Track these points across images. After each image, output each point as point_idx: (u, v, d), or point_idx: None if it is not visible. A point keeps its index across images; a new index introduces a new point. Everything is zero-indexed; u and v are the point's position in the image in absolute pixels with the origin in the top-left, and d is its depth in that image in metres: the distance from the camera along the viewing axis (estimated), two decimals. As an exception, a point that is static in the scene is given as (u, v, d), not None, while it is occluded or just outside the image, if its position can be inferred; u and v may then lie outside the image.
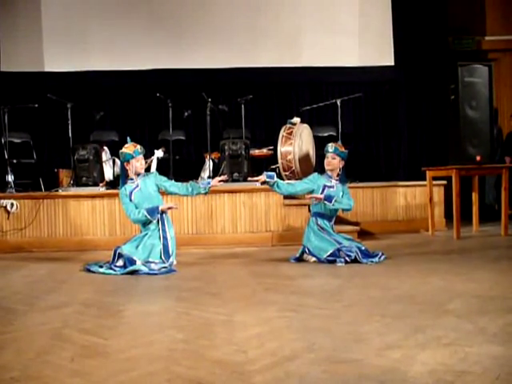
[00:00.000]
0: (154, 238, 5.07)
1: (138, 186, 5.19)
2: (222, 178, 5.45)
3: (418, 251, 5.83)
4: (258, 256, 5.82)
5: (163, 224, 5.12)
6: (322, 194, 5.26)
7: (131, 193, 5.18)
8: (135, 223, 5.40)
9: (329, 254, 5.11)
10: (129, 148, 5.19)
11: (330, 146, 5.38)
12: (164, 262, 4.96)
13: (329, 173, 5.38)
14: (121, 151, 5.23)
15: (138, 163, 5.21)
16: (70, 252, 6.30)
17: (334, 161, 5.36)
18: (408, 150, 9.44)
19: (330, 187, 5.31)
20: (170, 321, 3.20)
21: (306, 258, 5.31)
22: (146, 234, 5.11)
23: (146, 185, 5.21)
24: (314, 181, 5.36)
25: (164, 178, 5.32)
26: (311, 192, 5.34)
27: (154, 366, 2.41)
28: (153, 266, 4.89)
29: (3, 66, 8.93)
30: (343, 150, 5.39)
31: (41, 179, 7.76)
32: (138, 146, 5.22)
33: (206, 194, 5.35)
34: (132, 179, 5.21)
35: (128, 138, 5.34)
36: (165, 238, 5.07)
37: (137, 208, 5.13)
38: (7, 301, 3.84)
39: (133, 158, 5.16)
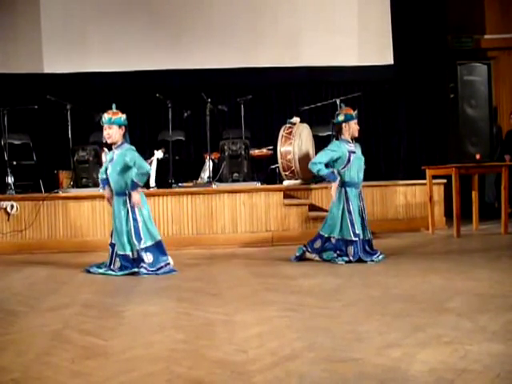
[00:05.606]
0: (123, 220, 4.86)
1: (113, 159, 4.97)
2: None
3: (418, 250, 5.83)
4: (258, 256, 5.82)
5: (131, 205, 4.88)
6: (348, 160, 5.20)
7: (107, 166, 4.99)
8: (144, 178, 4.96)
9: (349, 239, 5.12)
10: (107, 114, 4.94)
11: (355, 114, 5.34)
12: (136, 246, 4.80)
13: (348, 138, 5.32)
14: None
15: (105, 132, 4.93)
16: (70, 253, 6.30)
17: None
18: (408, 149, 9.44)
19: (352, 152, 5.28)
20: (170, 321, 3.20)
21: (308, 257, 5.30)
22: (116, 218, 4.91)
23: (118, 159, 4.94)
24: (338, 148, 5.27)
25: (132, 161, 4.86)
26: (338, 159, 5.24)
27: (154, 367, 2.41)
28: (145, 258, 4.78)
29: (2, 67, 8.92)
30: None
31: (41, 181, 7.74)
32: (113, 116, 4.89)
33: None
34: (110, 149, 4.83)
35: (113, 105, 5.07)
36: (135, 220, 4.86)
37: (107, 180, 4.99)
38: (8, 302, 3.85)
39: (104, 124, 4.90)
